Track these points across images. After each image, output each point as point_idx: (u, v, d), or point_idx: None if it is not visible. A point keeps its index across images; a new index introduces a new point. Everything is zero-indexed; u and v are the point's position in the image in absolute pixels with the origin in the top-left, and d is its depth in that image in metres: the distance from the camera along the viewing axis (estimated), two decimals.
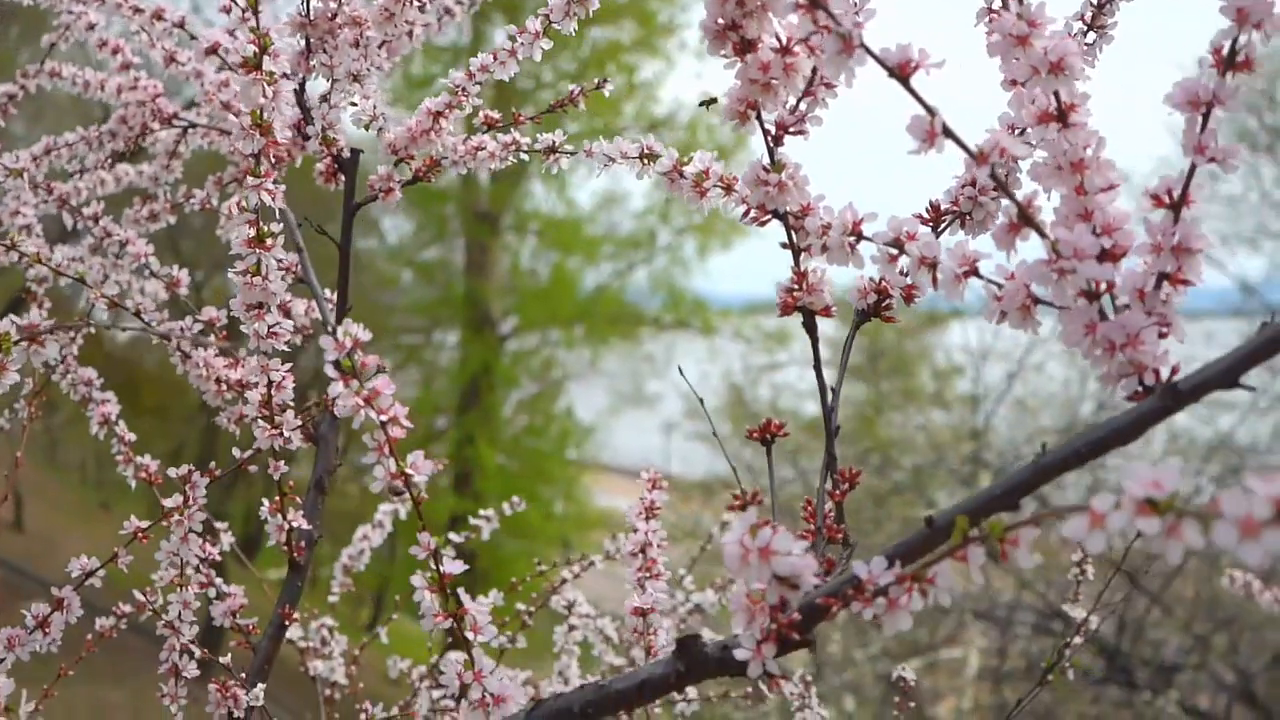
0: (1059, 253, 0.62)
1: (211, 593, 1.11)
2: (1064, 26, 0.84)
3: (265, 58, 0.87)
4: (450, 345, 11.67)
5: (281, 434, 1.00)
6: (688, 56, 10.87)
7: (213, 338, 1.16)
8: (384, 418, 0.72)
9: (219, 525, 1.26)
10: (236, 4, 0.88)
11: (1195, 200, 0.63)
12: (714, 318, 11.20)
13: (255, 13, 0.87)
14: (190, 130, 1.38)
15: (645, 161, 0.94)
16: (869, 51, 0.61)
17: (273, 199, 0.88)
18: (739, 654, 0.64)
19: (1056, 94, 0.65)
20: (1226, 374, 0.57)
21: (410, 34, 1.11)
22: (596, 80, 1.15)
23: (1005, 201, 0.65)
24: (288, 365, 1.01)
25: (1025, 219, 0.63)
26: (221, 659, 1.07)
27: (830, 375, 0.79)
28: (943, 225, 0.81)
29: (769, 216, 0.75)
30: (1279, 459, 7.06)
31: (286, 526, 1.08)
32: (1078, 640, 1.23)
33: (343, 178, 1.14)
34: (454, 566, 0.76)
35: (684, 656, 0.68)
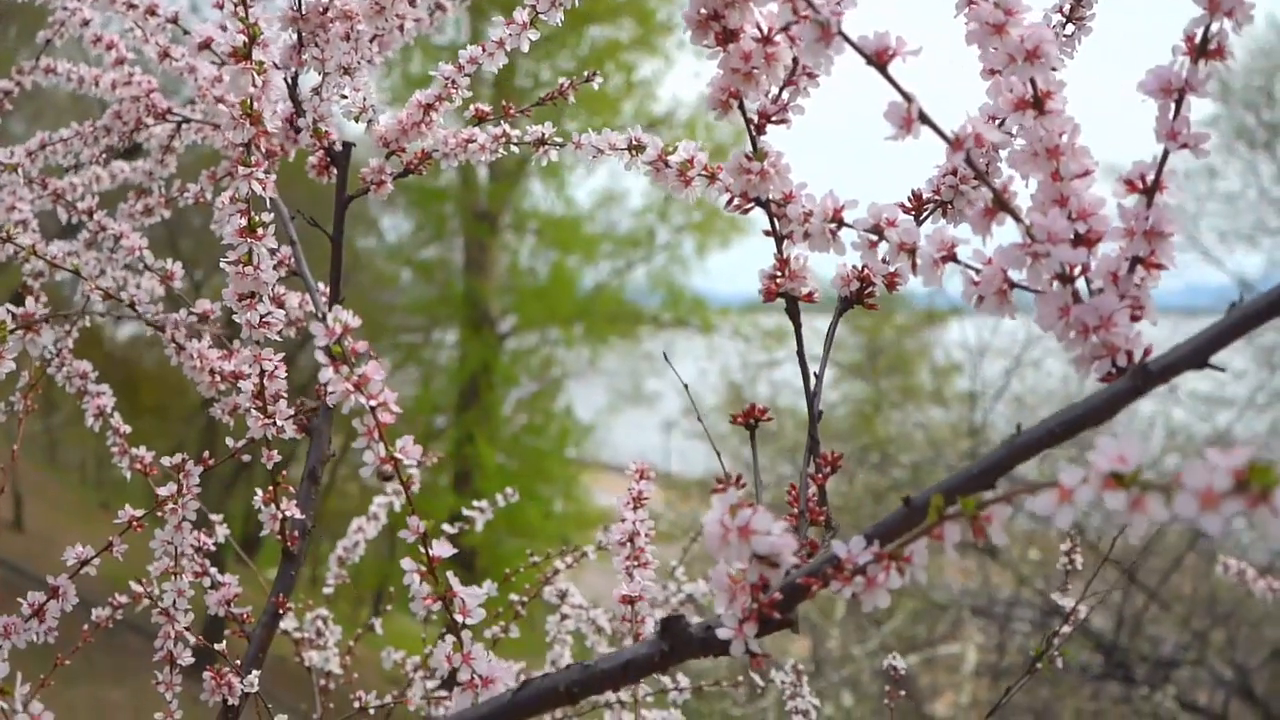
0: (1033, 237, 0.63)
1: (206, 583, 1.12)
2: (1043, 18, 0.85)
3: (254, 48, 0.88)
4: (449, 344, 11.69)
5: (274, 423, 1.01)
6: (686, 55, 10.89)
7: (207, 329, 1.17)
8: (373, 403, 0.73)
9: (214, 517, 1.27)
10: None
11: (1168, 185, 0.64)
12: (713, 316, 11.21)
13: (245, 4, 0.88)
14: (184, 125, 1.39)
15: (633, 153, 0.95)
16: (847, 39, 0.62)
17: (263, 188, 0.89)
18: (721, 633, 0.65)
19: (1033, 81, 0.66)
20: (1195, 355, 0.58)
21: (401, 28, 1.12)
22: (586, 74, 1.16)
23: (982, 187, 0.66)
24: (281, 356, 1.02)
25: (1000, 204, 0.64)
26: (216, 645, 1.08)
27: (829, 371, 0.80)
28: (925, 214, 0.82)
29: (752, 204, 0.76)
30: (1277, 456, 7.07)
31: (280, 516, 1.09)
32: (1066, 629, 1.25)
33: (335, 171, 1.15)
34: (443, 549, 0.77)
35: (668, 636, 0.69)
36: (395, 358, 10.85)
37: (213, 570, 1.13)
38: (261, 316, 0.96)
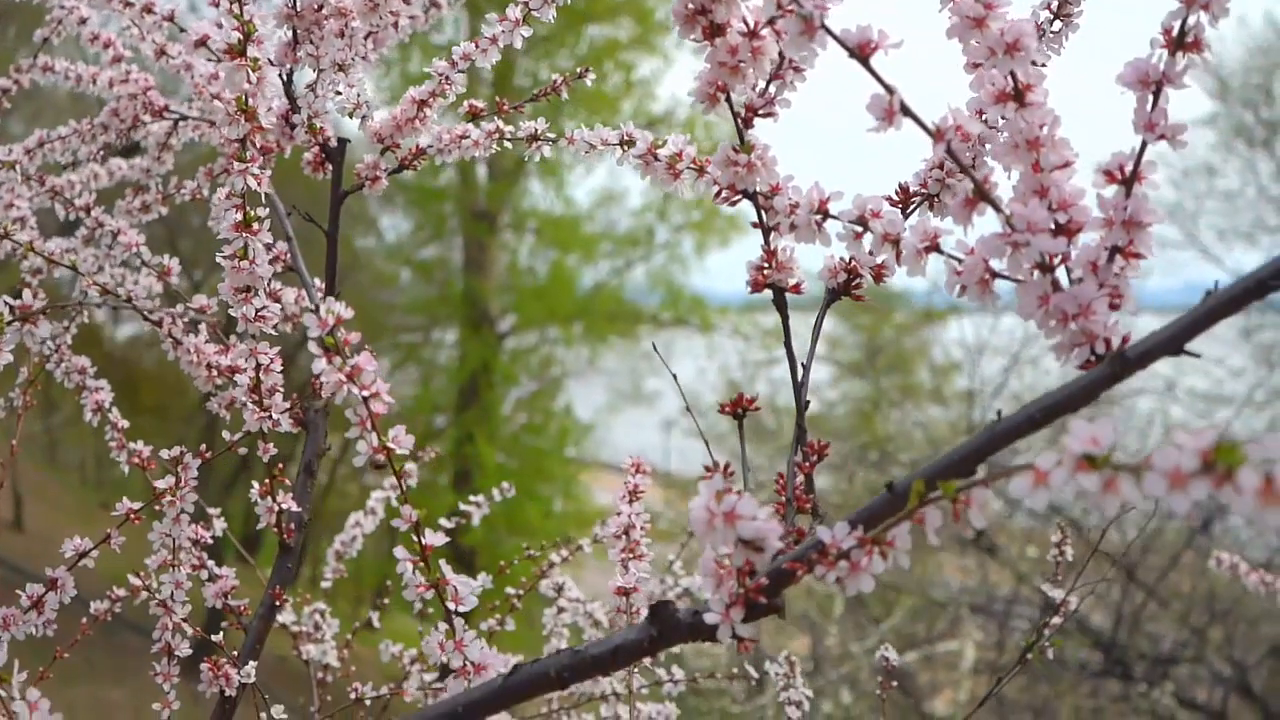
0: (1013, 226, 0.64)
1: (204, 576, 1.14)
2: (1031, 14, 0.86)
3: (249, 45, 0.89)
4: (449, 343, 11.70)
5: (270, 416, 1.02)
6: (685, 54, 10.89)
7: (203, 324, 1.18)
8: (366, 393, 0.74)
9: (212, 511, 1.28)
10: None
11: (1146, 176, 0.65)
12: (712, 315, 11.23)
13: (240, 1, 0.89)
14: (181, 123, 1.40)
15: (624, 148, 0.96)
16: (829, 33, 0.63)
17: (258, 183, 0.90)
18: (708, 618, 0.66)
19: (1013, 74, 0.67)
20: (1172, 341, 0.59)
21: (396, 25, 1.13)
22: (579, 70, 1.17)
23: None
24: (277, 350, 1.03)
25: (981, 194, 0.65)
26: (214, 636, 1.09)
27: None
28: (912, 206, 0.83)
29: (739, 196, 0.77)
30: (1277, 454, 7.06)
31: (276, 509, 1.11)
32: (1057, 620, 1.26)
33: (330, 167, 1.16)
34: (436, 538, 0.78)
35: (657, 621, 0.70)
36: (395, 357, 10.86)
37: (210, 563, 1.14)
38: (257, 310, 0.97)
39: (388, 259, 11.47)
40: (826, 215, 0.75)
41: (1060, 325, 0.64)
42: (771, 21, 0.70)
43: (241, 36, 0.90)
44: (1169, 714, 5.92)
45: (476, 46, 1.09)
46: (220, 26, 0.99)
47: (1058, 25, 0.88)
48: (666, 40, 10.42)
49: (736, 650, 0.68)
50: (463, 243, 11.32)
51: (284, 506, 1.11)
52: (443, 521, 1.54)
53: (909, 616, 7.03)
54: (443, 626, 0.79)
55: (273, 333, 1.00)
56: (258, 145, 0.91)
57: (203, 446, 1.08)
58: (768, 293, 0.84)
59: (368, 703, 1.31)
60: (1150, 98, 0.65)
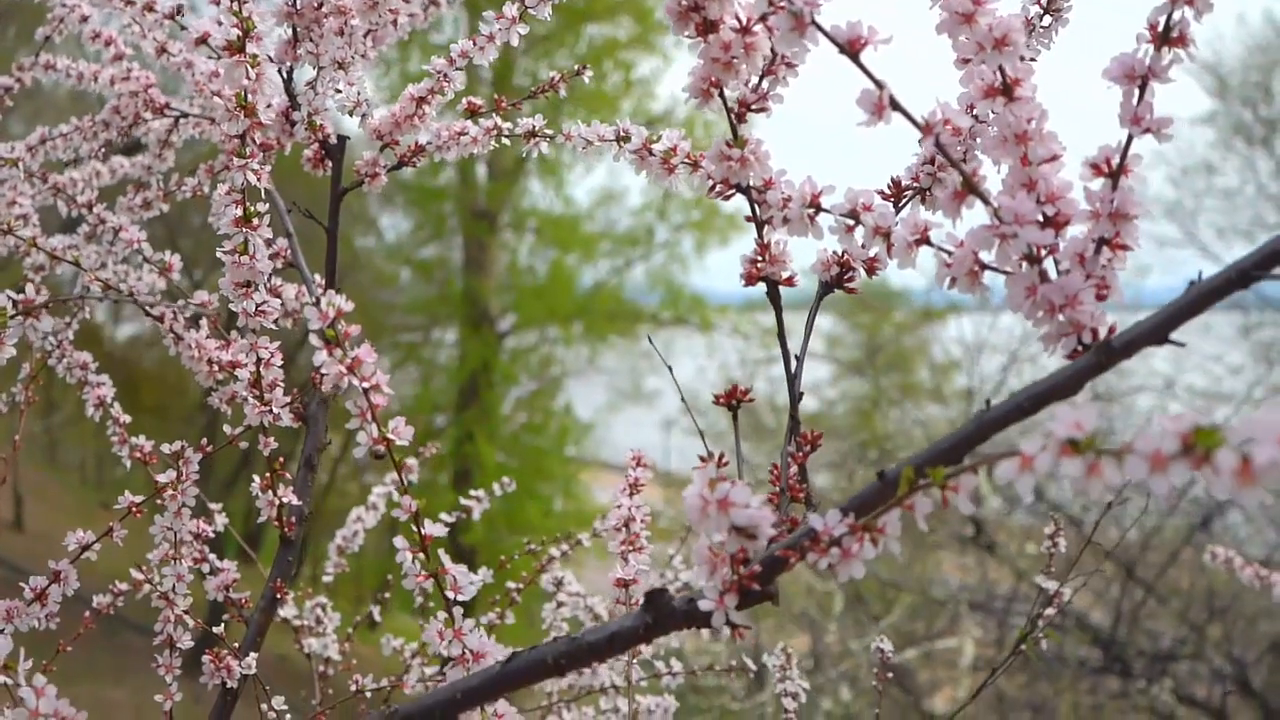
0: (1001, 218, 0.65)
1: (205, 569, 1.15)
2: (1021, 9, 0.87)
3: (248, 41, 0.90)
4: (449, 343, 11.71)
5: (271, 410, 1.03)
6: (685, 53, 10.88)
7: (204, 319, 1.19)
8: (366, 384, 0.75)
9: (213, 506, 1.30)
10: None
11: (1132, 169, 0.66)
12: (712, 314, 11.24)
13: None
14: (182, 120, 1.41)
15: (620, 144, 0.97)
16: (820, 29, 0.64)
17: (258, 179, 0.91)
18: (703, 605, 0.67)
19: (1001, 69, 0.68)
20: (1156, 331, 0.60)
21: (395, 23, 1.14)
22: (577, 67, 1.18)
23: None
24: (277, 345, 1.04)
25: (969, 187, 0.66)
26: (215, 629, 1.10)
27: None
28: (904, 200, 0.84)
29: (733, 191, 0.78)
30: None
31: (277, 502, 1.12)
32: (1050, 611, 1.27)
33: (330, 164, 1.17)
34: (435, 529, 0.80)
35: (652, 609, 0.71)
36: (395, 357, 10.87)
37: (211, 557, 1.15)
38: (257, 305, 0.98)
39: (388, 258, 11.49)
40: (819, 209, 0.76)
41: (1048, 316, 0.65)
42: (764, 18, 0.71)
43: (240, 33, 0.91)
44: (1168, 711, 5.94)
45: (475, 44, 1.10)
46: (220, 24, 1.00)
47: (1047, 20, 0.89)
48: (666, 39, 10.43)
49: (732, 637, 0.69)
50: (462, 242, 11.33)
51: (285, 500, 1.12)
52: (444, 516, 1.56)
53: (908, 614, 7.05)
54: (442, 615, 0.80)
55: (273, 328, 1.01)
56: (257, 141, 0.92)
57: (204, 441, 1.09)
58: (767, 293, 0.85)
59: (368, 695, 1.32)
60: (1136, 92, 0.66)
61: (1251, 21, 9.05)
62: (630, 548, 1.10)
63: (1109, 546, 1.36)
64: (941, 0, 0.69)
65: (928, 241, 0.71)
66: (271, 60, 0.96)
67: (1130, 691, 6.04)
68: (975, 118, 0.75)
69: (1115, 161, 0.66)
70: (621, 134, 0.96)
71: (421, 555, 0.79)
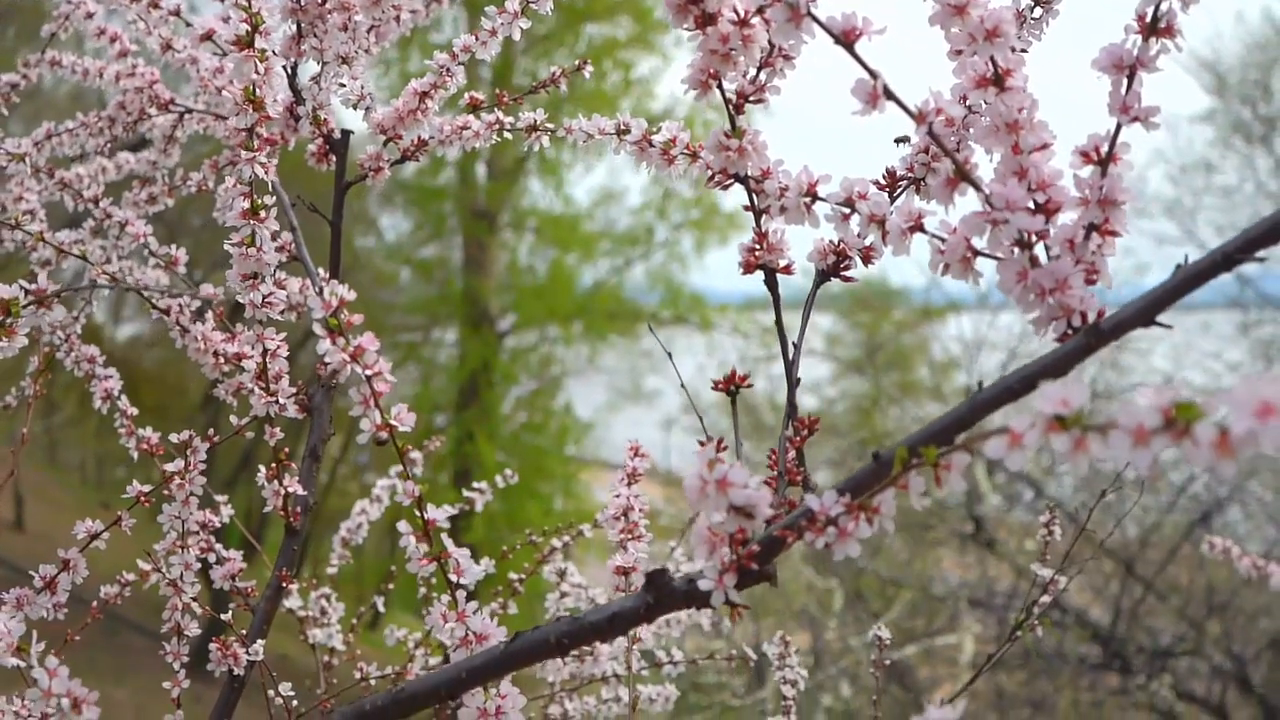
0: (993, 205, 0.66)
1: (211, 559, 1.16)
2: (1011, 2, 0.88)
3: (257, 36, 0.91)
4: (449, 343, 11.73)
5: (277, 400, 1.05)
6: (684, 52, 10.91)
7: (210, 312, 1.21)
8: (369, 372, 0.77)
9: (219, 498, 1.31)
10: None
11: (1121, 157, 0.68)
12: (711, 313, 11.26)
13: None
14: (187, 115, 1.43)
15: (620, 136, 0.98)
16: (815, 20, 0.66)
17: (266, 172, 0.93)
18: (702, 584, 0.69)
19: (993, 59, 0.69)
20: (1143, 313, 0.62)
21: (398, 19, 1.15)
22: (577, 63, 1.20)
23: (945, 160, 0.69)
24: (282, 335, 1.06)
25: (961, 174, 0.68)
26: (223, 615, 1.11)
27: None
28: (899, 190, 0.86)
29: (731, 180, 0.80)
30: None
31: (283, 492, 1.13)
32: (1045, 599, 1.28)
33: (334, 158, 1.19)
34: (439, 513, 0.81)
35: (653, 589, 0.72)
36: (395, 356, 10.88)
37: (218, 546, 1.16)
38: (264, 296, 1.00)
39: (388, 258, 11.50)
40: (815, 197, 0.78)
41: (1038, 299, 0.66)
42: (761, 10, 0.72)
43: (250, 29, 0.92)
44: (1167, 707, 5.95)
45: (477, 38, 1.11)
46: (226, 21, 1.01)
47: (1039, 12, 0.91)
48: (665, 39, 10.45)
49: (731, 618, 0.70)
50: (462, 242, 11.35)
51: (290, 490, 1.13)
52: (446, 507, 1.57)
53: (908, 611, 7.07)
54: (446, 599, 0.81)
55: (279, 318, 1.03)
56: (264, 135, 0.93)
57: (210, 431, 1.10)
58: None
59: (373, 683, 1.34)
60: (1125, 81, 0.68)
61: (1250, 20, 9.07)
62: (629, 536, 1.12)
63: (1108, 544, 1.37)
64: None
65: (921, 229, 0.73)
66: (276, 55, 0.97)
67: (1130, 688, 6.06)
68: (969, 108, 0.77)
69: (1104, 149, 0.68)
70: (621, 127, 0.97)
71: (425, 539, 0.80)
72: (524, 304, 11.21)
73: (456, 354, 11.31)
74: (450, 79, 1.14)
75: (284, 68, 1.11)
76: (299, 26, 1.11)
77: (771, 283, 0.82)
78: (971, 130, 0.79)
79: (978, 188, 0.68)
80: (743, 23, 0.74)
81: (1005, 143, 0.69)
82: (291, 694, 1.11)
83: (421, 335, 11.64)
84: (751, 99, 0.79)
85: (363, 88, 1.14)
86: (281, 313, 1.05)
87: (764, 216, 0.81)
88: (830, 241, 0.84)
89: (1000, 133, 0.69)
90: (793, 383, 0.82)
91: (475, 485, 1.62)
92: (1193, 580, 6.59)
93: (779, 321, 0.82)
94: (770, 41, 0.78)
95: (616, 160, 11.02)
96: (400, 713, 0.77)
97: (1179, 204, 9.19)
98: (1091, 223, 0.67)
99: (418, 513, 0.81)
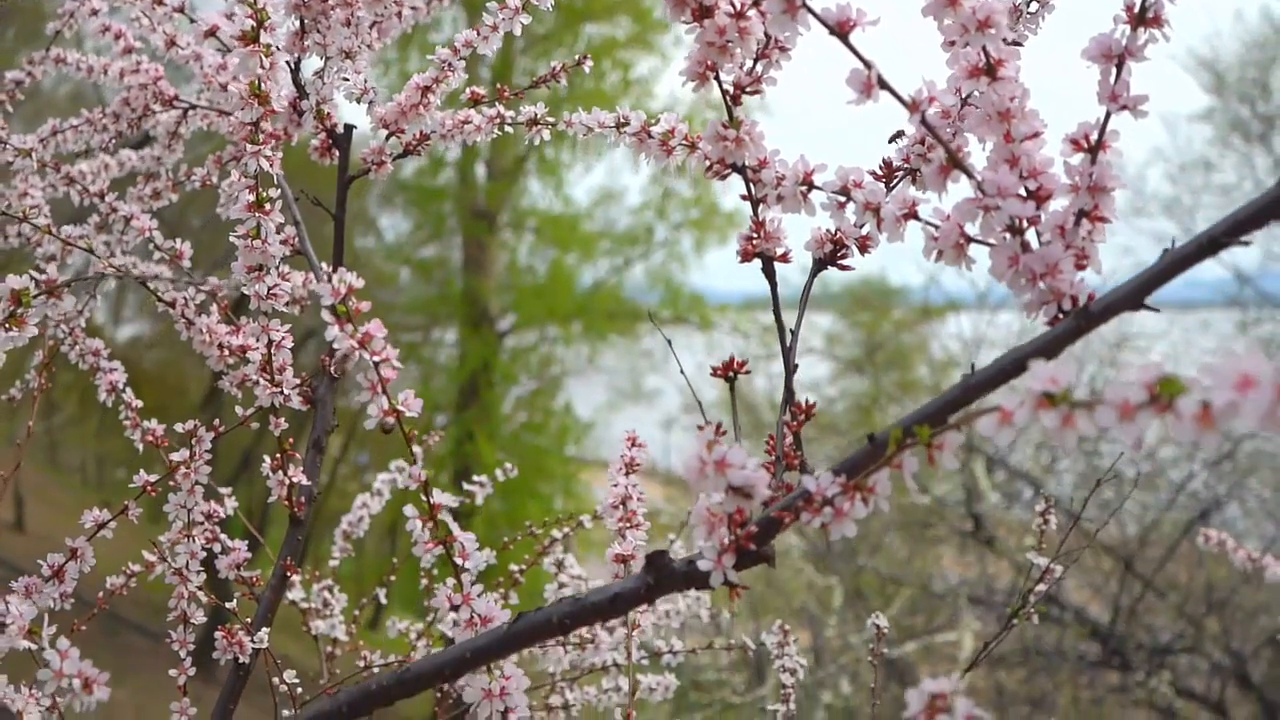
0: (985, 191, 0.68)
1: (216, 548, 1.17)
2: None
3: (262, 31, 0.93)
4: (449, 343, 11.75)
5: (281, 391, 1.06)
6: (683, 52, 10.91)
7: (214, 306, 1.22)
8: (377, 358, 0.79)
9: (223, 490, 1.32)
10: None
11: (1110, 144, 0.69)
12: (711, 313, 11.27)
13: None
14: (190, 112, 1.44)
15: (620, 129, 1.00)
16: (810, 11, 0.67)
17: (270, 165, 0.94)
18: (702, 564, 0.70)
19: (985, 50, 0.71)
20: (1132, 296, 0.63)
21: (400, 15, 1.17)
22: (577, 58, 1.21)
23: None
24: (287, 327, 1.07)
25: (954, 161, 0.69)
26: (227, 604, 1.13)
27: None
28: (895, 180, 0.87)
29: (729, 170, 0.81)
30: (1271, 444, 7.13)
31: (287, 482, 1.15)
32: (1041, 588, 1.30)
33: (336, 152, 1.20)
34: (445, 498, 0.83)
35: (653, 569, 0.74)
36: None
37: (223, 536, 1.18)
38: (269, 288, 1.01)
39: (387, 259, 11.52)
40: (812, 186, 0.79)
41: (1029, 284, 0.68)
42: (756, 2, 0.74)
43: (255, 24, 0.94)
44: (1167, 704, 5.97)
45: (478, 34, 1.13)
46: (229, 18, 1.03)
47: (1034, 7, 0.92)
48: (664, 39, 10.47)
49: (730, 597, 0.72)
50: (462, 242, 11.37)
51: (294, 480, 1.14)
52: (448, 499, 1.59)
53: (908, 608, 7.08)
54: (451, 582, 0.83)
55: (284, 310, 1.04)
56: (269, 130, 0.95)
57: (216, 421, 1.12)
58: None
59: (375, 671, 1.35)
60: (1114, 70, 0.69)
61: (1249, 18, 9.09)
62: (628, 524, 1.13)
63: (1106, 541, 1.38)
64: None
65: (915, 216, 0.74)
66: (280, 50, 0.99)
67: (1129, 685, 6.08)
68: (963, 100, 0.78)
69: (1094, 137, 0.69)
70: (621, 120, 0.99)
71: (430, 523, 0.82)
72: (524, 304, 11.22)
73: (456, 354, 11.33)
74: (452, 73, 1.15)
75: (288, 63, 1.13)
76: (302, 22, 1.12)
77: (769, 270, 0.83)
78: (965, 120, 0.80)
79: (970, 175, 0.69)
80: (739, 15, 0.76)
81: (997, 131, 0.71)
82: (296, 681, 1.12)
83: (421, 335, 11.66)
84: (748, 90, 0.80)
85: (366, 81, 1.15)
86: (286, 305, 1.07)
87: (761, 205, 0.82)
88: (827, 230, 0.85)
89: (992, 121, 0.71)
90: (790, 368, 0.83)
91: (476, 479, 1.63)
92: (1192, 577, 6.61)
93: (776, 308, 0.83)
94: (766, 33, 0.79)
95: (616, 160, 11.04)
96: (405, 692, 0.79)
97: (1178, 202, 9.21)
98: (1081, 209, 0.69)
99: (424, 497, 0.82)
